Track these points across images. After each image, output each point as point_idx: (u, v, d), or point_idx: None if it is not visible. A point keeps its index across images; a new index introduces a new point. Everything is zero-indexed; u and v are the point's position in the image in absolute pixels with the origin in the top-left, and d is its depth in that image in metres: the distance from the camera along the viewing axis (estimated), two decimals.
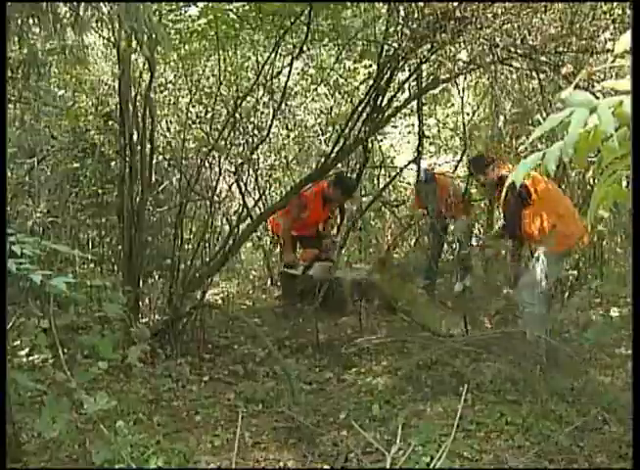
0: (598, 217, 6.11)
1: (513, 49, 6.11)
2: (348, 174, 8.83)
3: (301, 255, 8.34)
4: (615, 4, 6.55)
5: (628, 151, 1.45)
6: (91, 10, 4.44)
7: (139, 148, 6.37)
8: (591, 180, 7.61)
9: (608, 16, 6.38)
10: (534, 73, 7.26)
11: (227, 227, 7.80)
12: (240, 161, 8.82)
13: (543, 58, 6.26)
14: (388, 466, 2.61)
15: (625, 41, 1.53)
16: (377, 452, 3.98)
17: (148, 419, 4.81)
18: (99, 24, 5.18)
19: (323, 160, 7.06)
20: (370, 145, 8.74)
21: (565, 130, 1.31)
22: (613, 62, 1.50)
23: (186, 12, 7.43)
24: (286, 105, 9.53)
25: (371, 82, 6.99)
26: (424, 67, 7.13)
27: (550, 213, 6.09)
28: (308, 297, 7.45)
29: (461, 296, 7.84)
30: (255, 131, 9.30)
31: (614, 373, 5.50)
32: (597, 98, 1.42)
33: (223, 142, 7.77)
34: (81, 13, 4.33)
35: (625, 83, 1.32)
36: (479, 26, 5.84)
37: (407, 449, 3.63)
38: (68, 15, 4.51)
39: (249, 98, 8.14)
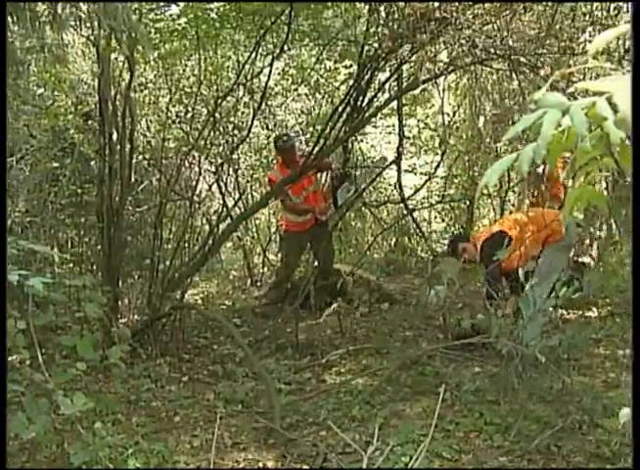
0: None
1: (492, 50, 6.14)
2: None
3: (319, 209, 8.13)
4: (594, 5, 6.60)
5: (602, 152, 1.45)
6: (69, 8, 4.42)
7: (119, 147, 6.34)
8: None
9: (587, 17, 6.43)
10: (514, 75, 7.30)
11: (207, 227, 7.77)
12: (220, 160, 8.81)
13: (523, 59, 6.29)
14: (364, 466, 2.61)
15: (599, 42, 1.54)
16: (356, 453, 3.98)
17: (127, 420, 4.80)
18: (78, 23, 5.15)
19: (303, 160, 7.05)
20: (350, 145, 8.75)
21: (537, 131, 1.32)
22: (585, 62, 1.51)
23: (166, 11, 7.42)
24: (266, 105, 9.54)
25: (351, 82, 7.00)
26: (404, 67, 7.15)
27: (530, 231, 6.23)
28: (290, 296, 7.47)
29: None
30: (236, 131, 9.30)
31: (592, 373, 5.53)
32: (575, 99, 1.43)
33: (203, 142, 7.77)
34: (59, 11, 4.31)
35: (599, 84, 1.32)
36: (458, 27, 5.86)
37: (386, 450, 3.64)
38: (46, 13, 4.49)
39: (229, 98, 8.13)
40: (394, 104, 8.43)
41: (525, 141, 6.91)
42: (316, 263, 8.15)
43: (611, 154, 1.46)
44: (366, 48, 6.64)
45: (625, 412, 3.51)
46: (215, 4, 7.10)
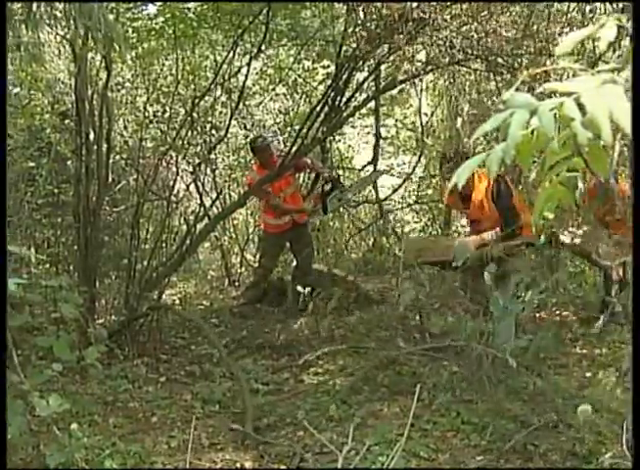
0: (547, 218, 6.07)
1: (470, 51, 6.16)
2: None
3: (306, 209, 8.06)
4: (571, 7, 6.64)
5: (571, 152, 1.46)
6: (44, 7, 4.39)
7: (95, 147, 6.31)
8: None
9: (565, 18, 6.47)
10: (491, 75, 7.32)
11: (184, 227, 7.75)
12: (197, 160, 8.79)
13: (500, 60, 6.31)
14: (339, 466, 2.61)
15: (568, 43, 1.55)
16: (333, 453, 3.99)
17: (103, 421, 4.78)
18: (53, 22, 5.11)
19: (281, 160, 7.04)
20: (328, 145, 8.75)
21: (507, 132, 1.32)
22: (553, 63, 1.52)
23: (143, 10, 7.40)
24: (244, 105, 9.52)
25: (329, 82, 7.01)
26: (382, 67, 7.16)
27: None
28: (269, 298, 7.46)
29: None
30: (213, 131, 9.28)
31: (569, 372, 5.56)
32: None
33: (181, 142, 7.74)
34: (34, 9, 4.27)
35: (567, 85, 1.33)
36: (436, 28, 5.88)
37: (363, 449, 3.64)
38: (20, 12, 4.45)
39: (206, 97, 8.11)
40: (372, 104, 8.44)
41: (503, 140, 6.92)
42: (295, 263, 8.14)
43: (579, 154, 1.47)
44: (344, 48, 6.66)
45: (583, 409, 3.55)
46: (193, 3, 7.09)
